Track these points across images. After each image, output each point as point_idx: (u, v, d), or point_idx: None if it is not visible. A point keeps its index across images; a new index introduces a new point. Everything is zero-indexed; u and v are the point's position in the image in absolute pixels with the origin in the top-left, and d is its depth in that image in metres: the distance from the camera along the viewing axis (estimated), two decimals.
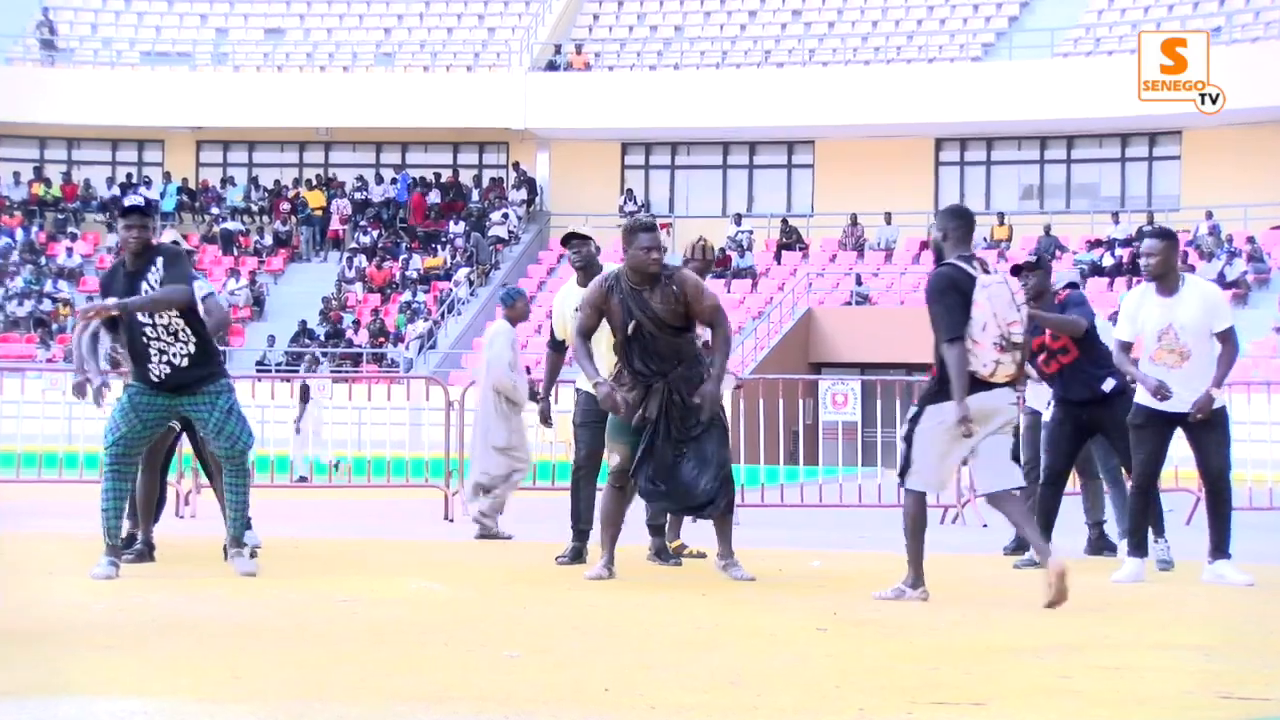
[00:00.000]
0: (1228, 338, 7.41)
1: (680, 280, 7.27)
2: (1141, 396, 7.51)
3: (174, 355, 7.07)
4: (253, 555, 7.51)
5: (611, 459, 7.45)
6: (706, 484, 7.22)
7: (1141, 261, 7.58)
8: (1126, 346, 7.57)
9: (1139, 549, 7.66)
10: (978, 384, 6.55)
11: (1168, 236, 7.57)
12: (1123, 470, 8.58)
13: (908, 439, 6.68)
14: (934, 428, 6.61)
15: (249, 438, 7.27)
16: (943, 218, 6.82)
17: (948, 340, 6.53)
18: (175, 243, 7.75)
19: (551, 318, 8.47)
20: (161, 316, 7.04)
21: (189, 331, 7.09)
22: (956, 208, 6.96)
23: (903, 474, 6.70)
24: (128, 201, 7.26)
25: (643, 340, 7.23)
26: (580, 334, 7.38)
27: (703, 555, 8.38)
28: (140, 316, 7.02)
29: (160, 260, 7.07)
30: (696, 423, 7.25)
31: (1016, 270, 8.05)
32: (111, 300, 7.02)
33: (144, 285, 7.00)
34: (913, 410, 6.75)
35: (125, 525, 7.81)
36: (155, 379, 7.08)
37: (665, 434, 7.24)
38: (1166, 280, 7.43)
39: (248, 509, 7.38)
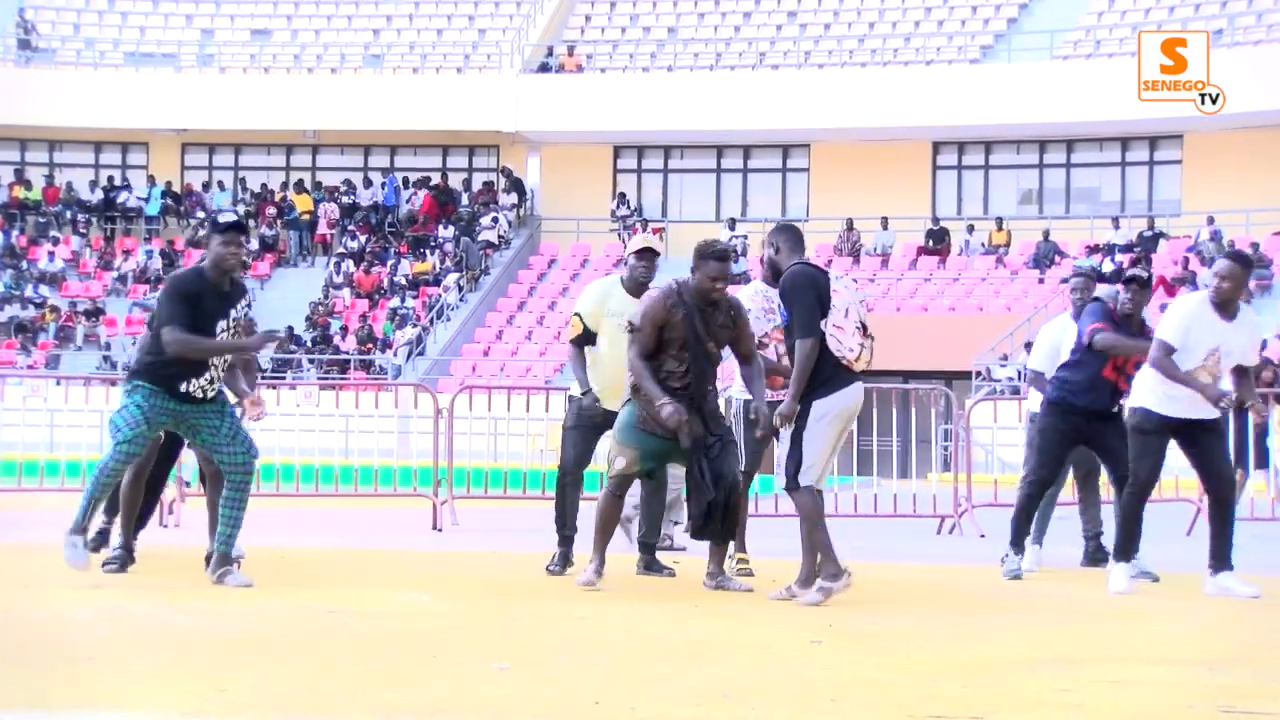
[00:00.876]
0: (1263, 364, 7.59)
1: (738, 308, 7.37)
2: (1156, 404, 7.43)
3: (214, 378, 7.20)
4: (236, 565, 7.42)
5: (618, 462, 7.33)
6: (722, 500, 7.21)
7: (1213, 282, 7.55)
8: (1171, 350, 7.48)
9: (1127, 554, 7.65)
10: (843, 370, 6.89)
11: (1244, 262, 7.60)
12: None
13: (796, 439, 6.85)
14: (820, 421, 6.85)
15: (256, 447, 7.29)
16: (775, 234, 7.23)
17: (803, 337, 6.82)
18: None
19: (583, 311, 8.07)
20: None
21: (222, 367, 7.25)
22: (787, 224, 7.39)
23: (794, 475, 6.86)
24: (225, 219, 7.20)
25: (700, 362, 7.22)
26: (642, 356, 7.26)
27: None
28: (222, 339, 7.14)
29: (248, 297, 7.27)
30: (716, 440, 7.26)
31: (1128, 281, 8.23)
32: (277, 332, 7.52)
33: (233, 311, 7.11)
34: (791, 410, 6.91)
35: (99, 520, 7.77)
36: (184, 392, 7.11)
37: (692, 454, 7.23)
38: (1230, 305, 7.48)
39: (241, 525, 7.26)
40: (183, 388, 7.12)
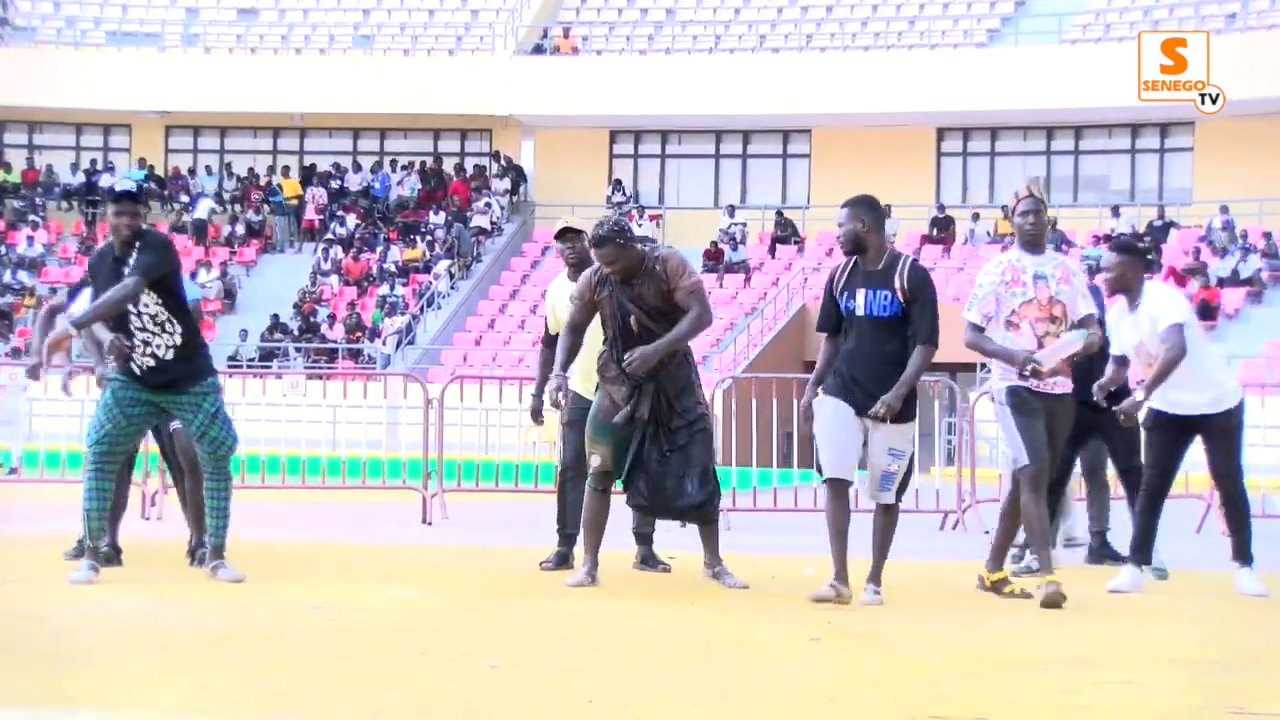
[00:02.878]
0: (1166, 338, 7.31)
1: (663, 260, 7.16)
2: (1161, 403, 7.43)
3: (158, 347, 6.98)
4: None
5: (592, 460, 7.30)
6: (692, 489, 7.13)
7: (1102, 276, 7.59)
8: (1121, 361, 7.59)
9: (1140, 556, 7.59)
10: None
11: (1125, 250, 7.60)
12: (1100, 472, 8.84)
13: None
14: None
15: (233, 441, 7.17)
16: (861, 210, 6.89)
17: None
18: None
19: (544, 312, 8.25)
20: (146, 305, 6.94)
21: (175, 323, 7.00)
22: (866, 197, 7.05)
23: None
24: (119, 186, 7.05)
25: (637, 334, 7.10)
26: (571, 328, 7.26)
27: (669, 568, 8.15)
28: (128, 306, 6.93)
29: (137, 243, 6.96)
30: (683, 426, 7.14)
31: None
32: (63, 324, 7.00)
33: (125, 271, 6.94)
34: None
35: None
36: (138, 371, 7.00)
37: (653, 436, 7.13)
38: (1128, 296, 7.51)
39: (229, 517, 7.24)
40: (136, 367, 6.99)
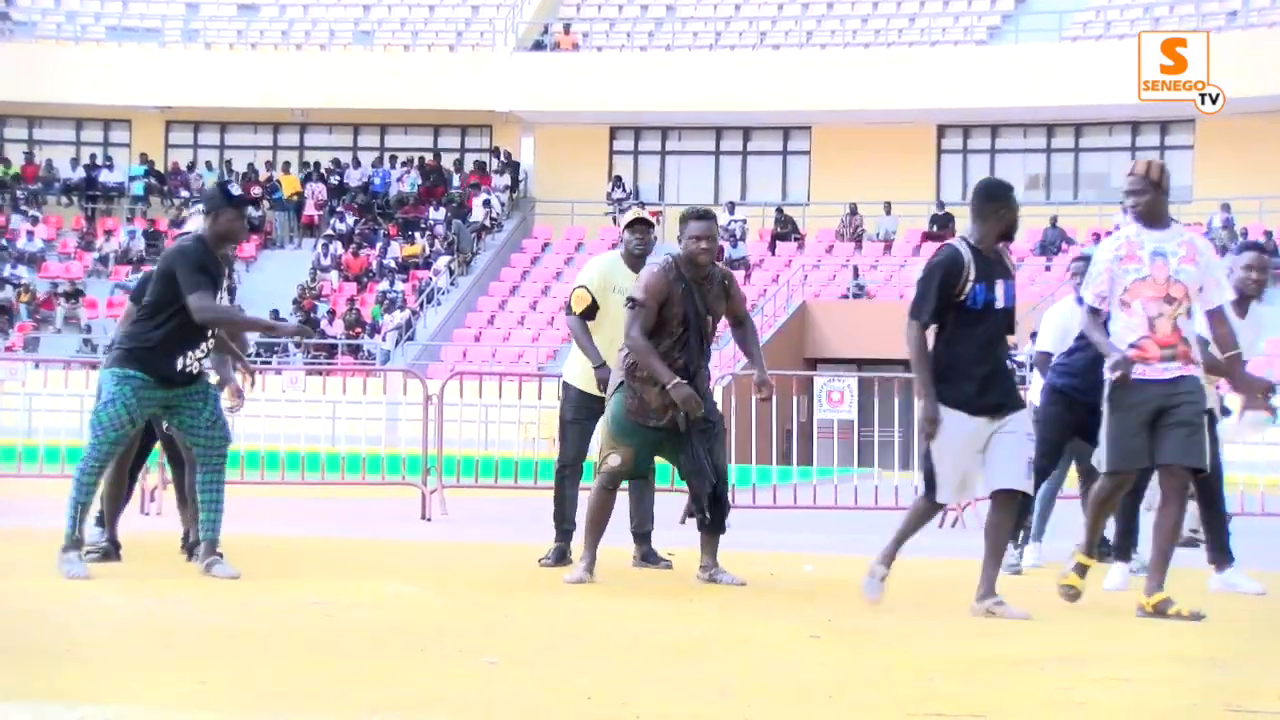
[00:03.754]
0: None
1: (730, 276, 7.24)
2: None
3: (208, 350, 7.16)
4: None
5: (612, 459, 7.15)
6: (709, 489, 7.10)
7: (1252, 276, 7.29)
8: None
9: (1124, 553, 7.56)
10: None
11: (1266, 251, 7.55)
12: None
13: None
14: None
15: (230, 432, 7.25)
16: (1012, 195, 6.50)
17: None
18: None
19: (589, 285, 7.80)
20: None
21: (211, 338, 7.21)
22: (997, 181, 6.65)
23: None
24: (236, 191, 7.23)
25: (700, 337, 7.09)
26: (646, 332, 7.03)
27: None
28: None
29: (232, 272, 7.21)
30: (709, 428, 7.10)
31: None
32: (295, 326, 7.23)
33: (224, 284, 7.13)
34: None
35: (92, 531, 7.69)
36: (177, 370, 7.02)
37: (698, 435, 7.08)
38: (1249, 301, 7.36)
39: (223, 510, 7.19)
40: (179, 365, 7.02)
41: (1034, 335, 9.24)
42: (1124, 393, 6.23)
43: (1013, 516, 6.37)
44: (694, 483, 7.08)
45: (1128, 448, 6.26)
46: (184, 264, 6.92)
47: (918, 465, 6.51)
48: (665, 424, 7.01)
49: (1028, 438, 6.33)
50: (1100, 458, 6.40)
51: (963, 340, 6.19)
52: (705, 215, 7.07)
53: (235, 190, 7.17)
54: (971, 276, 6.15)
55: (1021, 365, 24.22)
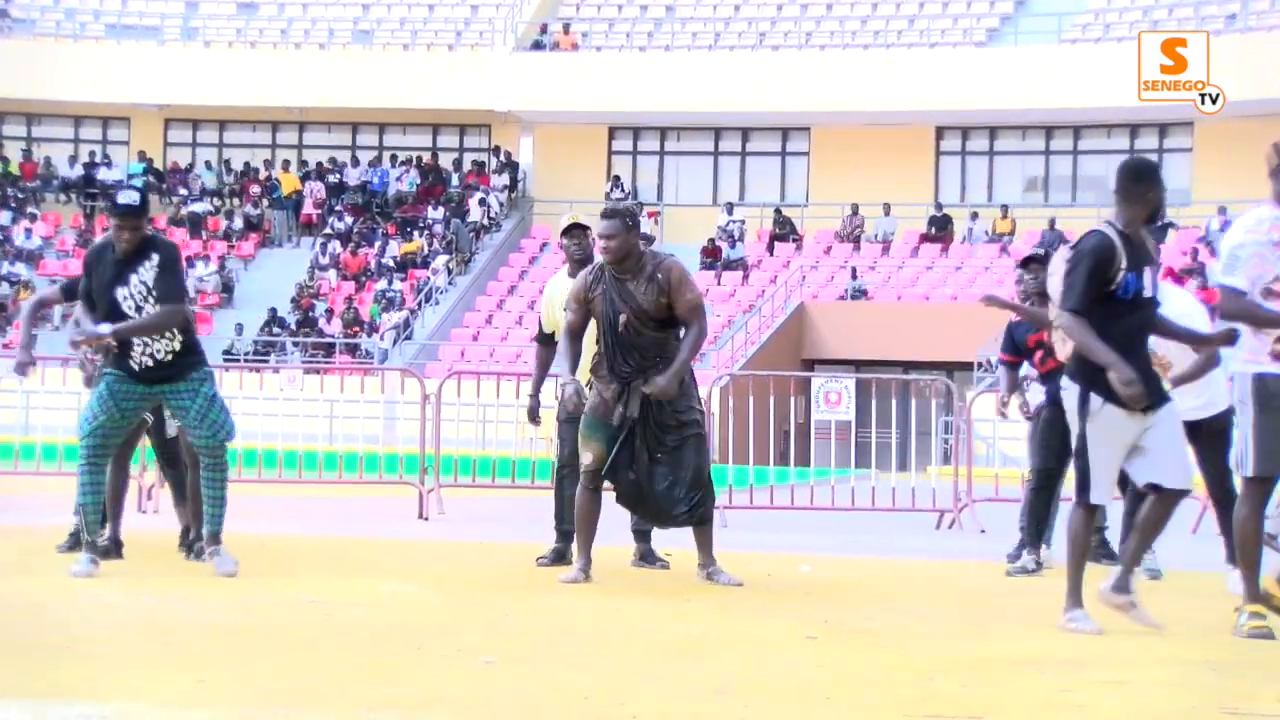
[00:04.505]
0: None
1: (666, 269, 7.11)
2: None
3: (158, 350, 7.00)
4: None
5: (584, 458, 7.23)
6: (679, 496, 7.11)
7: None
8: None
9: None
10: None
11: None
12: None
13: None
14: None
15: (231, 427, 7.15)
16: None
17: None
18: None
19: (539, 310, 8.18)
20: (150, 308, 6.99)
21: (175, 330, 7.03)
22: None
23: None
24: (121, 199, 7.04)
25: (626, 335, 7.08)
26: (568, 333, 7.22)
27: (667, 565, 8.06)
28: (126, 308, 6.93)
29: (156, 259, 6.95)
30: (675, 426, 7.08)
31: (1025, 263, 8.13)
32: (105, 327, 6.94)
33: (134, 278, 6.94)
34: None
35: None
36: (136, 369, 7.00)
37: (643, 435, 7.09)
38: None
39: (226, 504, 7.21)
40: (134, 364, 6.98)
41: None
42: (1276, 392, 5.73)
43: (1171, 514, 6.02)
44: (616, 480, 7.10)
45: None
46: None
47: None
48: (616, 421, 7.05)
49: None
50: (1244, 461, 5.84)
51: (1112, 333, 5.71)
52: (610, 214, 7.03)
53: (121, 198, 7.04)
54: (1123, 265, 5.71)
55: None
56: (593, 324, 7.28)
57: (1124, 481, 8.82)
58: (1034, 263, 8.17)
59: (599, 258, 7.29)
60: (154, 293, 6.90)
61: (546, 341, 8.06)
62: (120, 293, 6.91)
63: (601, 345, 7.16)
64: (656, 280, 7.05)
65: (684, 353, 7.05)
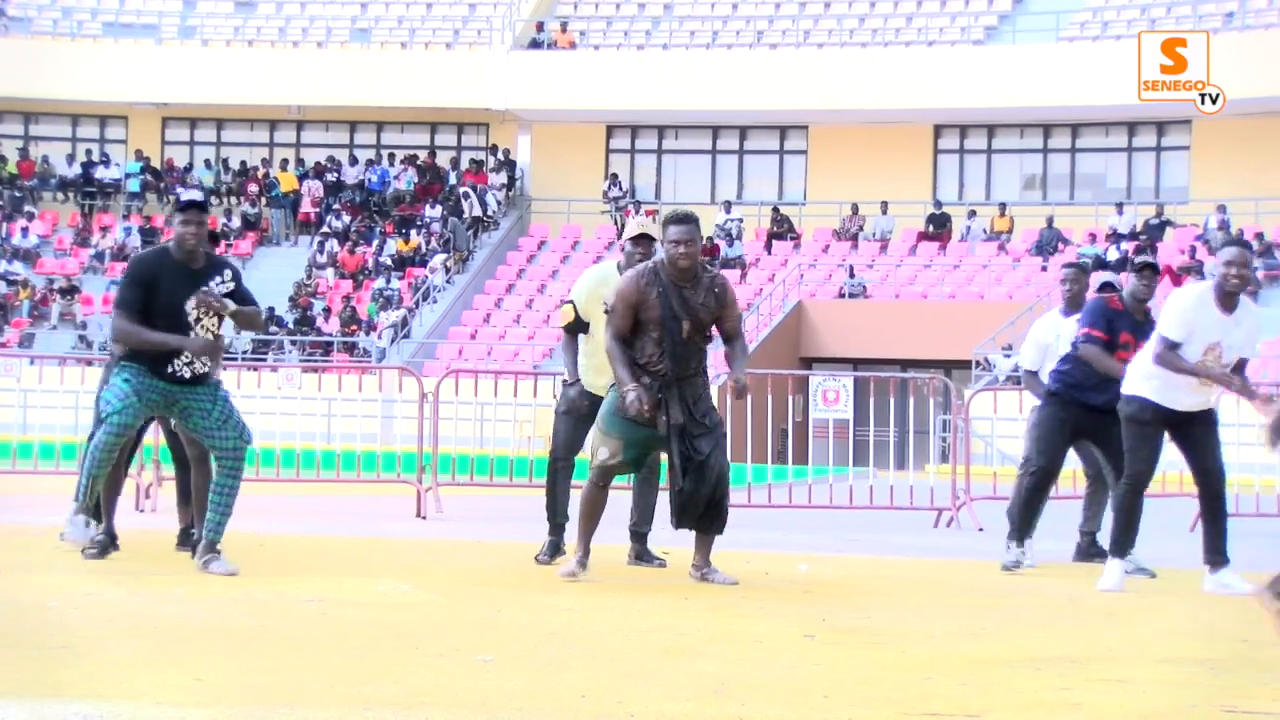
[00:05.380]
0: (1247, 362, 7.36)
1: (720, 283, 7.14)
2: (1155, 394, 7.35)
3: (197, 366, 7.07)
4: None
5: (600, 453, 7.15)
6: (715, 499, 7.09)
7: (1222, 271, 7.23)
8: (1175, 345, 7.32)
9: (1122, 550, 7.50)
10: None
11: (1250, 250, 7.37)
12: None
13: None
14: None
15: (249, 431, 7.19)
16: None
17: None
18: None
19: (576, 298, 7.88)
20: (208, 323, 7.04)
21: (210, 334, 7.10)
22: None
23: None
24: (186, 196, 7.27)
25: (679, 341, 6.99)
26: (617, 337, 7.07)
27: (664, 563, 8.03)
28: (189, 318, 7.01)
29: (229, 273, 7.10)
30: (704, 433, 7.06)
31: (1141, 269, 8.13)
32: (230, 303, 7.03)
33: (218, 288, 7.03)
34: None
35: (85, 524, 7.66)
36: (170, 373, 7.03)
37: (679, 441, 7.03)
38: (1235, 297, 7.32)
39: (231, 514, 7.20)
40: (167, 368, 7.03)
41: (1008, 346, 9.17)
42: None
43: None
44: (672, 485, 7.08)
45: None
46: (124, 276, 7.08)
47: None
48: (647, 425, 6.99)
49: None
50: None
51: None
52: (686, 219, 6.99)
53: (187, 195, 7.20)
54: None
55: (1015, 369, 24.27)
56: (592, 327, 7.26)
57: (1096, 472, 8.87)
58: (1146, 270, 8.06)
59: (646, 262, 7.18)
60: (234, 302, 7.05)
61: (578, 330, 7.84)
62: (189, 304, 6.95)
63: (650, 351, 7.02)
64: (714, 293, 7.03)
65: (743, 360, 7.11)
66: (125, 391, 6.97)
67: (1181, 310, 7.27)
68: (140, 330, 6.94)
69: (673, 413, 6.98)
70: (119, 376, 7.05)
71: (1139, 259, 8.20)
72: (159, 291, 6.93)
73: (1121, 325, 7.97)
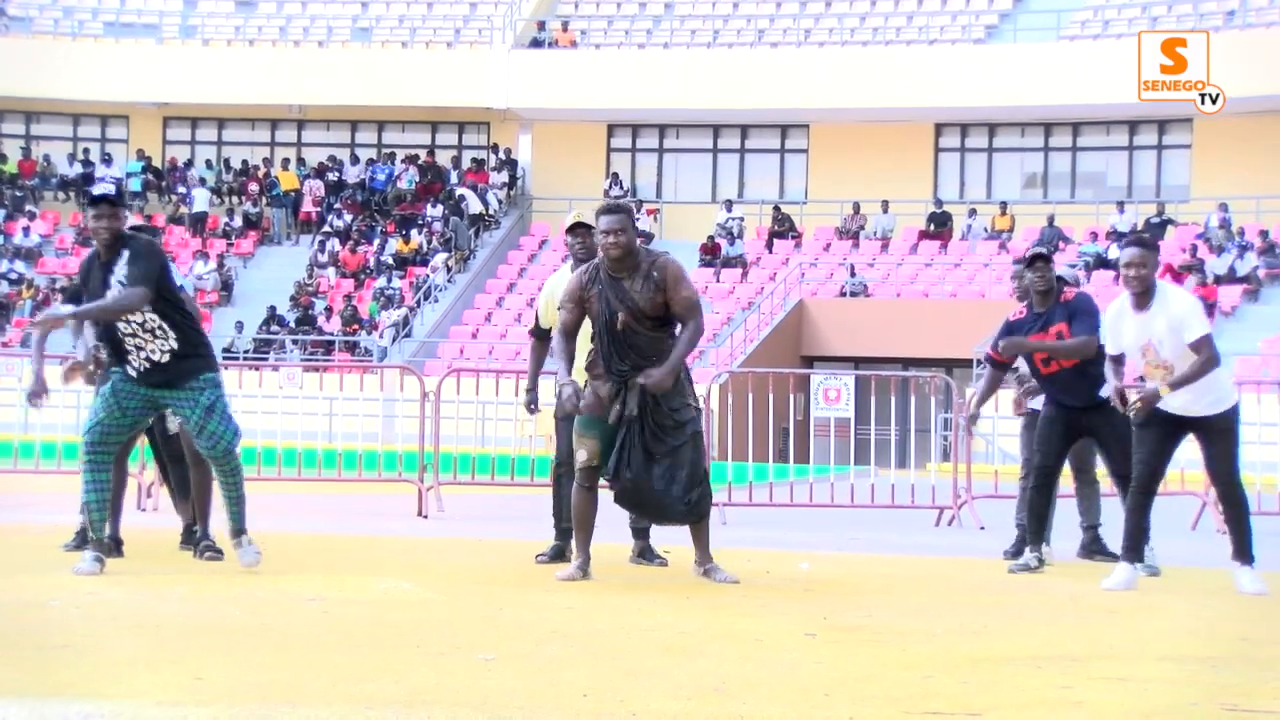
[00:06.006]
0: (1200, 348, 7.24)
1: (661, 267, 7.07)
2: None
3: (153, 351, 6.98)
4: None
5: (579, 454, 7.20)
6: (678, 494, 7.07)
7: (1130, 274, 7.25)
8: (1117, 360, 7.43)
9: (1133, 553, 7.47)
10: None
11: (1149, 246, 7.38)
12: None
13: None
14: None
15: (232, 436, 7.12)
16: None
17: None
18: (143, 227, 7.61)
19: (538, 304, 8.17)
20: (136, 314, 6.92)
21: (167, 328, 6.98)
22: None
23: None
24: (96, 190, 7.24)
25: (624, 335, 7.04)
26: (562, 332, 7.19)
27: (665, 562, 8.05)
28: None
29: (126, 254, 6.94)
30: (673, 426, 7.04)
31: (1031, 262, 8.14)
32: (66, 309, 6.99)
33: (113, 279, 6.92)
34: None
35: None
36: (134, 372, 7.02)
37: (640, 434, 7.03)
38: (1143, 296, 7.31)
39: (244, 501, 7.26)
40: (132, 370, 7.02)
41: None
42: None
43: None
44: (614, 478, 7.07)
45: None
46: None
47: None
48: (613, 420, 7.03)
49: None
50: None
51: None
52: (615, 209, 7.04)
53: (96, 189, 7.19)
54: None
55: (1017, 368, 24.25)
56: (587, 322, 7.23)
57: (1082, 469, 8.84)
58: (1040, 260, 8.11)
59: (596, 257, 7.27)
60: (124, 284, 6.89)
61: (543, 336, 8.04)
62: (108, 295, 6.90)
63: (598, 344, 7.13)
64: (652, 278, 7.01)
65: (680, 348, 7.02)
66: (96, 410, 7.04)
67: (1105, 325, 7.47)
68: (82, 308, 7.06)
69: (629, 404, 6.99)
70: (102, 388, 7.14)
71: (1030, 251, 8.27)
72: (87, 289, 7.02)
73: (1031, 326, 8.05)
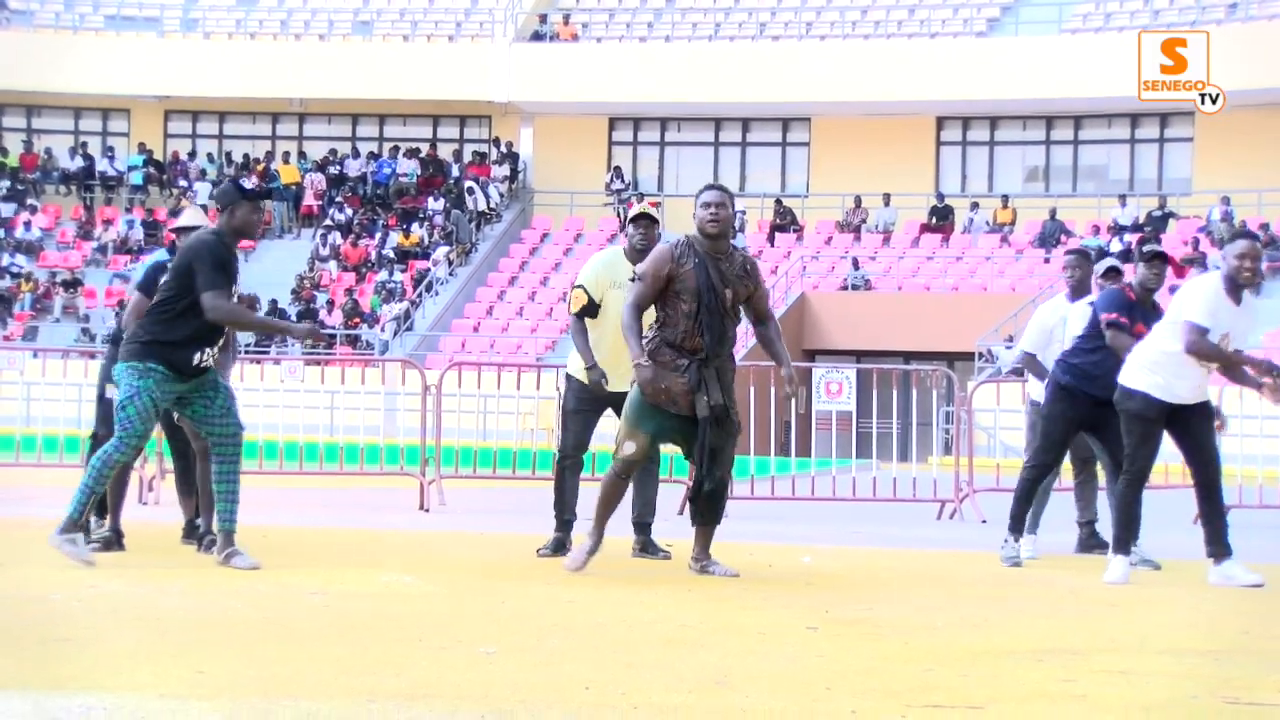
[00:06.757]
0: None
1: (751, 259, 7.02)
2: (1159, 390, 7.33)
3: (217, 349, 7.13)
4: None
5: (627, 446, 6.99)
6: (718, 491, 7.03)
7: (1235, 263, 7.20)
8: (1205, 331, 7.31)
9: (1125, 547, 7.47)
10: None
11: (1260, 241, 7.34)
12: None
13: None
14: None
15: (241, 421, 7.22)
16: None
17: None
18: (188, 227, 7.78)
19: (584, 283, 7.77)
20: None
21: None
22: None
23: None
24: (250, 184, 7.28)
25: (716, 314, 6.81)
26: (636, 306, 6.88)
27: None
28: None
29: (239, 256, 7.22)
30: (729, 420, 6.90)
31: (1150, 260, 8.07)
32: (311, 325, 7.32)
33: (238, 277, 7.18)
34: None
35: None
36: (194, 365, 7.02)
37: (714, 426, 6.85)
38: (1244, 290, 7.34)
39: (239, 500, 7.21)
40: (196, 360, 7.02)
41: (1010, 338, 9.23)
42: None
43: None
44: (696, 473, 7.01)
45: None
46: (204, 260, 6.89)
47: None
48: (685, 410, 6.85)
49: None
50: None
51: None
52: (720, 188, 6.98)
53: (249, 184, 7.20)
54: None
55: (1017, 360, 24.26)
56: (617, 317, 7.10)
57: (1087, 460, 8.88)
58: (1158, 259, 8.02)
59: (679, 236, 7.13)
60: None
61: (586, 313, 7.72)
62: (234, 293, 7.07)
63: (684, 326, 6.84)
64: (744, 267, 6.93)
65: (784, 347, 7.00)
66: (147, 410, 6.93)
67: (1209, 298, 7.24)
68: (245, 312, 7.22)
69: (712, 394, 6.81)
70: (144, 383, 6.93)
71: (1148, 248, 8.16)
72: (235, 282, 7.04)
73: (1137, 315, 7.90)
